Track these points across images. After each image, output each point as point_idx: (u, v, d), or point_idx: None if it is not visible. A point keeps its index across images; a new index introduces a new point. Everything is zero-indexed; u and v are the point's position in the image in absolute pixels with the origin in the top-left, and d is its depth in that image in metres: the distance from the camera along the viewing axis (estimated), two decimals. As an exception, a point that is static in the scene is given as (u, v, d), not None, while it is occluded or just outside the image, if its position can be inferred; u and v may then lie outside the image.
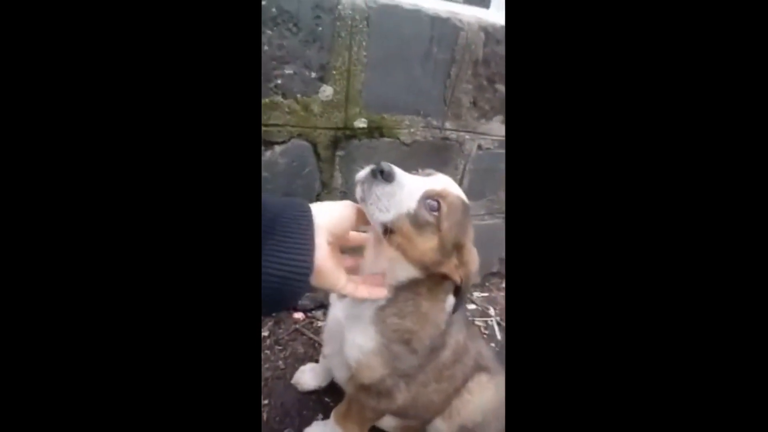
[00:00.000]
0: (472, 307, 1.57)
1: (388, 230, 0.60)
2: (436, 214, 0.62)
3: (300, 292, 0.48)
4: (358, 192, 0.60)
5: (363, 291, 0.61)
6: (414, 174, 0.68)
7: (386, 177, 0.59)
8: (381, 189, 0.59)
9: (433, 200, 0.62)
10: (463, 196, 0.67)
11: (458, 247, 0.66)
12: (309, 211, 0.51)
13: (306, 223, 0.50)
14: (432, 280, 0.69)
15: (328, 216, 0.54)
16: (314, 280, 0.51)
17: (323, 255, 0.51)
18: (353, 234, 0.63)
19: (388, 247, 0.63)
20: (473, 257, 0.67)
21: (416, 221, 0.61)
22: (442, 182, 0.66)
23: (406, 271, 0.67)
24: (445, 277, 0.68)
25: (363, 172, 0.60)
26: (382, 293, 0.65)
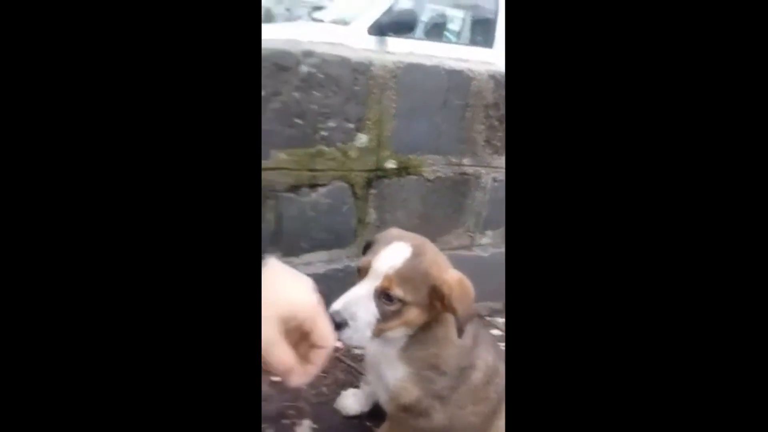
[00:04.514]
0: (497, 332, 1.62)
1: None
2: (395, 302, 0.68)
3: None
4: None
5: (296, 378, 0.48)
6: (380, 242, 0.72)
7: (341, 326, 0.64)
8: (346, 335, 0.65)
9: (384, 297, 0.67)
10: (411, 246, 0.70)
11: (435, 290, 0.70)
12: None
13: None
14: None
15: (286, 304, 0.45)
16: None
17: (272, 343, 0.42)
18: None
19: None
20: (453, 284, 0.70)
21: (387, 316, 0.67)
22: (383, 266, 0.68)
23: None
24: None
25: None
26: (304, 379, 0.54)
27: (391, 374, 0.79)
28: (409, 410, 0.81)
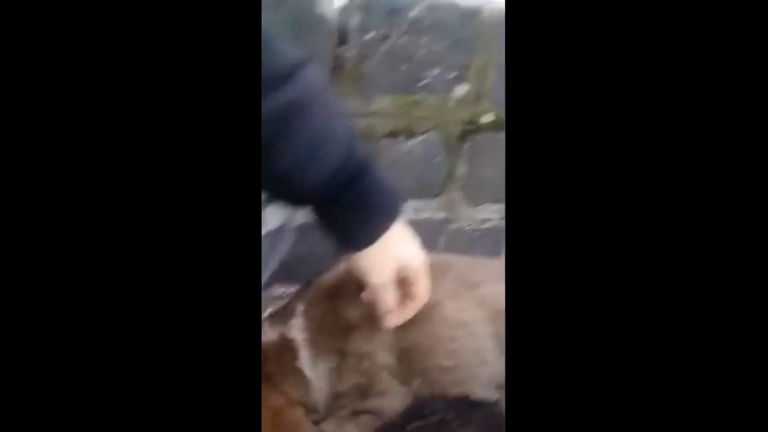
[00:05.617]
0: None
1: None
2: None
3: None
4: None
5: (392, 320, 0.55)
6: None
7: None
8: None
9: None
10: None
11: None
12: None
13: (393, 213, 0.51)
14: None
15: (405, 254, 0.52)
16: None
17: (385, 284, 0.50)
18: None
19: None
20: None
21: None
22: None
23: None
24: None
25: None
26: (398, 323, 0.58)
27: None
28: None
